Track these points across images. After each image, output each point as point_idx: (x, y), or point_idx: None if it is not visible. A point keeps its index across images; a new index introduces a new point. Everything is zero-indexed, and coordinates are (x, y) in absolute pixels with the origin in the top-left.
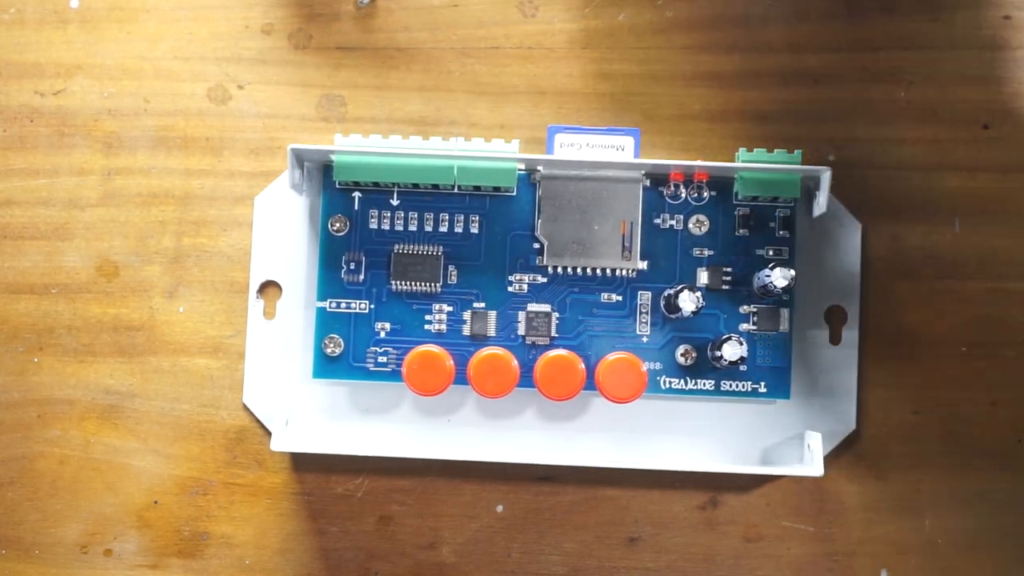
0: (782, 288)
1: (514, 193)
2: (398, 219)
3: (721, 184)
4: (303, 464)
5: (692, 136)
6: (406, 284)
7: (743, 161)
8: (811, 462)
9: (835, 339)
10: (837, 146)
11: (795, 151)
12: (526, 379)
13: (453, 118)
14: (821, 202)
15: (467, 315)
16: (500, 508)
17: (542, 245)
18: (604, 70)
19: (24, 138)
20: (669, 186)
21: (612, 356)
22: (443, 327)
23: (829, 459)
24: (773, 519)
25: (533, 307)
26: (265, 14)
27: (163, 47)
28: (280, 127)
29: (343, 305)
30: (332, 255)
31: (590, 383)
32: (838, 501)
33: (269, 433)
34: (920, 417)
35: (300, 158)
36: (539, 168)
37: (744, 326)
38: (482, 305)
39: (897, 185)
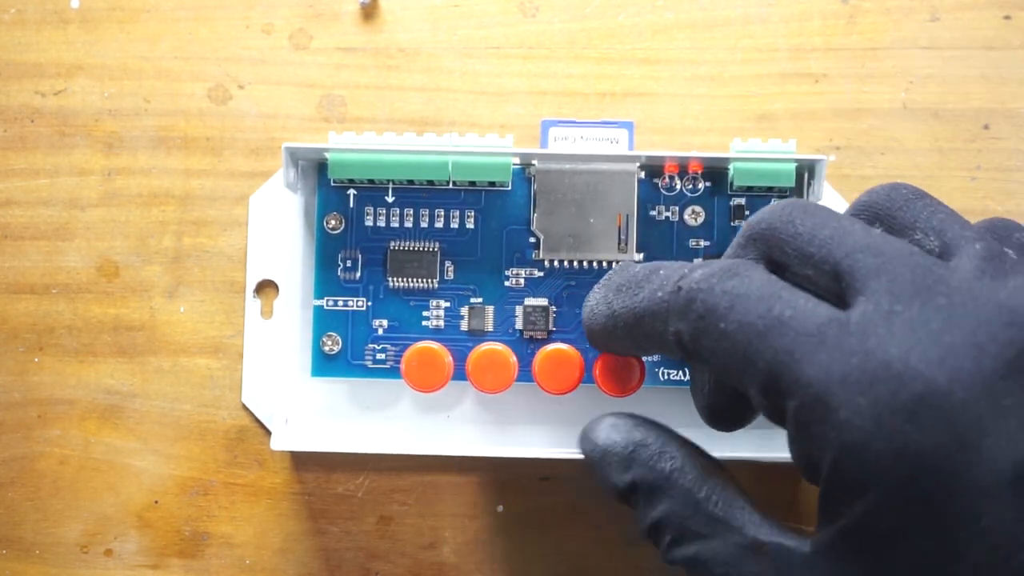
0: None
1: (509, 188)
2: (393, 216)
3: (716, 175)
4: (303, 464)
5: (692, 136)
6: (403, 281)
7: (737, 151)
8: None
9: None
10: (837, 146)
11: (789, 140)
12: (524, 374)
13: (453, 118)
14: (817, 191)
15: (464, 311)
16: (500, 508)
17: (538, 239)
18: (604, 70)
19: (25, 138)
20: (664, 178)
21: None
22: (440, 323)
23: None
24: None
25: (530, 301)
26: (265, 14)
27: (163, 47)
28: (280, 127)
29: (340, 303)
30: (328, 253)
31: (589, 376)
32: None
33: (269, 433)
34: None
35: (294, 156)
36: (534, 162)
37: None
38: (479, 300)
39: None
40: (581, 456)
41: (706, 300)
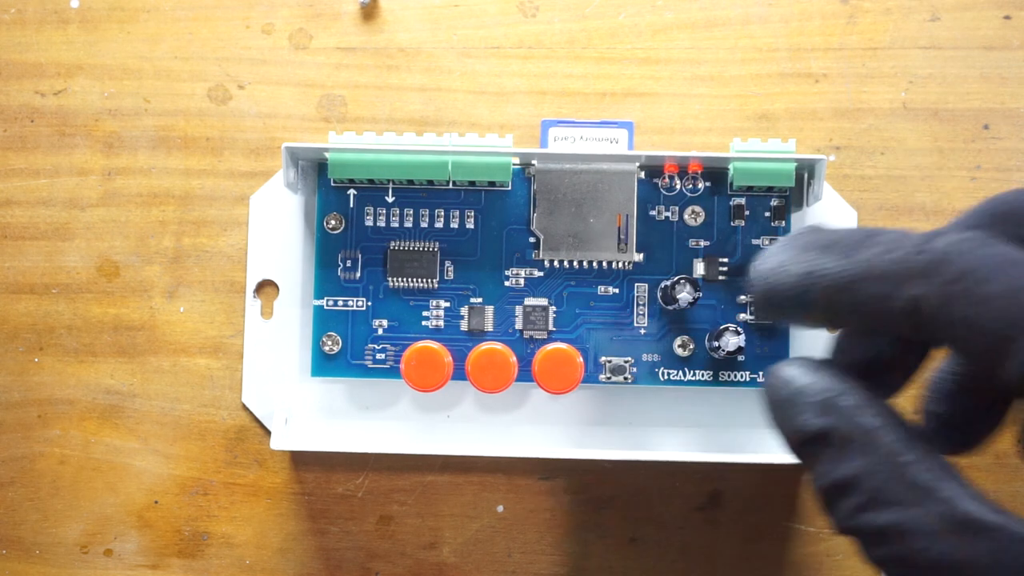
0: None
1: (509, 187)
2: (393, 216)
3: (716, 175)
4: (303, 464)
5: (692, 136)
6: (403, 281)
7: (737, 151)
8: None
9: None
10: (837, 146)
11: (789, 140)
12: (524, 373)
13: (453, 118)
14: (817, 191)
15: (464, 310)
16: (500, 508)
17: (538, 239)
18: (604, 70)
19: (25, 138)
20: (664, 178)
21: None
22: (440, 323)
23: None
24: (773, 519)
25: (530, 301)
26: (265, 14)
27: (163, 47)
28: (280, 127)
29: (340, 303)
30: (328, 253)
31: (588, 376)
32: None
33: (269, 433)
34: (920, 417)
35: (294, 156)
36: (534, 162)
37: (741, 316)
38: (479, 300)
39: (897, 185)
40: (581, 455)
41: (965, 263)
